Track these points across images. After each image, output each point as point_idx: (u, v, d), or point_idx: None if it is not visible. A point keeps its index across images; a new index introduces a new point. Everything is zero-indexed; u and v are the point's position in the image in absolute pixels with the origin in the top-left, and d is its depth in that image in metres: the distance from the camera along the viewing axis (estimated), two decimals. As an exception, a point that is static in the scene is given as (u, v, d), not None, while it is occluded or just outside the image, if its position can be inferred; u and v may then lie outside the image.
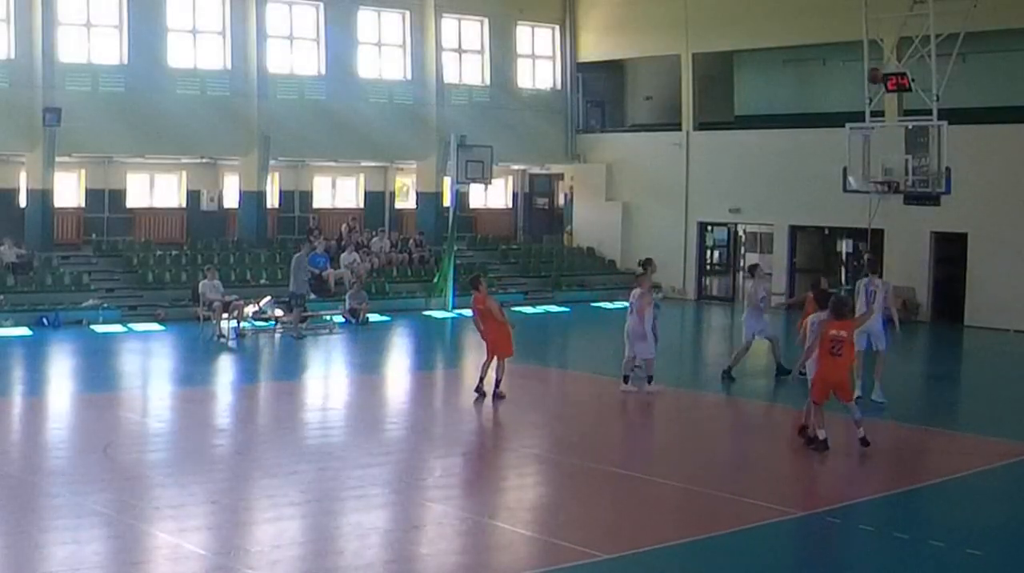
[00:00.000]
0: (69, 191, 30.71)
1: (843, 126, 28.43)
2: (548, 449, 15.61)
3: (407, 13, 34.09)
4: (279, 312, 26.31)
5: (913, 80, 27.02)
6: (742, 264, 34.99)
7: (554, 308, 32.18)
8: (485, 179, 31.69)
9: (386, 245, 33.01)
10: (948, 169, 26.88)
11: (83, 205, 31.03)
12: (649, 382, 18.79)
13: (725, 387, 19.93)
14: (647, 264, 19.82)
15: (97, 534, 11.23)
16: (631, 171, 35.95)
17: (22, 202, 29.51)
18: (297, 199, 34.51)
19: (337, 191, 36.17)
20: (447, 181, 32.76)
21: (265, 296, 26.98)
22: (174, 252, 30.41)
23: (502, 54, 36.20)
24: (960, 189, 27.23)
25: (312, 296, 27.54)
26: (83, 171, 30.98)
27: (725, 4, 33.31)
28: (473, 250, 35.16)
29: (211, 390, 20.20)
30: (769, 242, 33.54)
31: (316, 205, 35.06)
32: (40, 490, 12.75)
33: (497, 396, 18.17)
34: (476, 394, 18.21)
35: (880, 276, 20.18)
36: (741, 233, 35.33)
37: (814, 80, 34.20)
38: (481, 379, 18.35)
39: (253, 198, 31.66)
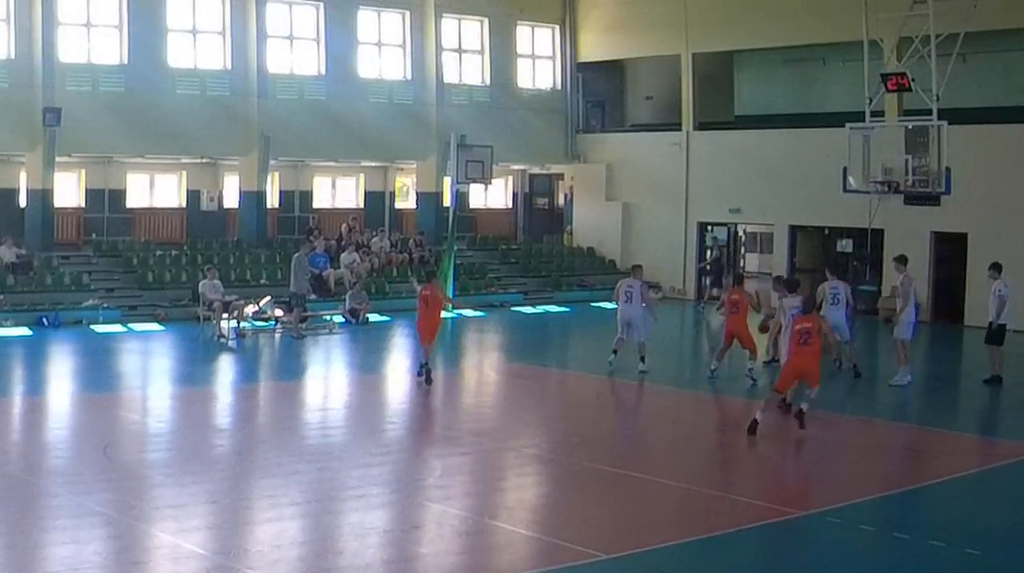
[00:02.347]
0: (69, 191, 30.71)
1: (843, 126, 28.46)
2: (548, 449, 15.61)
3: (407, 13, 34.08)
4: (279, 312, 26.31)
5: (913, 80, 27.04)
6: (742, 264, 35.05)
7: (554, 308, 32.19)
8: (485, 179, 31.70)
9: (386, 245, 33.01)
10: (948, 169, 26.90)
11: (83, 205, 31.02)
12: (643, 361, 20.81)
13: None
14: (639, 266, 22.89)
15: (97, 534, 11.23)
16: (631, 171, 35.95)
17: (22, 202, 29.52)
18: (297, 199, 34.51)
19: (337, 191, 36.17)
20: (447, 181, 32.77)
21: (265, 296, 26.98)
22: (174, 252, 30.41)
23: (502, 54, 36.19)
24: (960, 189, 27.25)
25: (312, 296, 27.55)
26: (83, 171, 30.97)
27: (725, 4, 33.31)
28: (473, 250, 35.17)
29: (211, 390, 20.20)
30: (769, 242, 33.54)
31: (316, 205, 35.07)
32: (40, 490, 12.75)
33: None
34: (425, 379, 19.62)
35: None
36: (741, 233, 35.33)
37: (814, 80, 34.20)
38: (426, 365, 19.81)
39: (253, 198, 31.66)
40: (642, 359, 20.75)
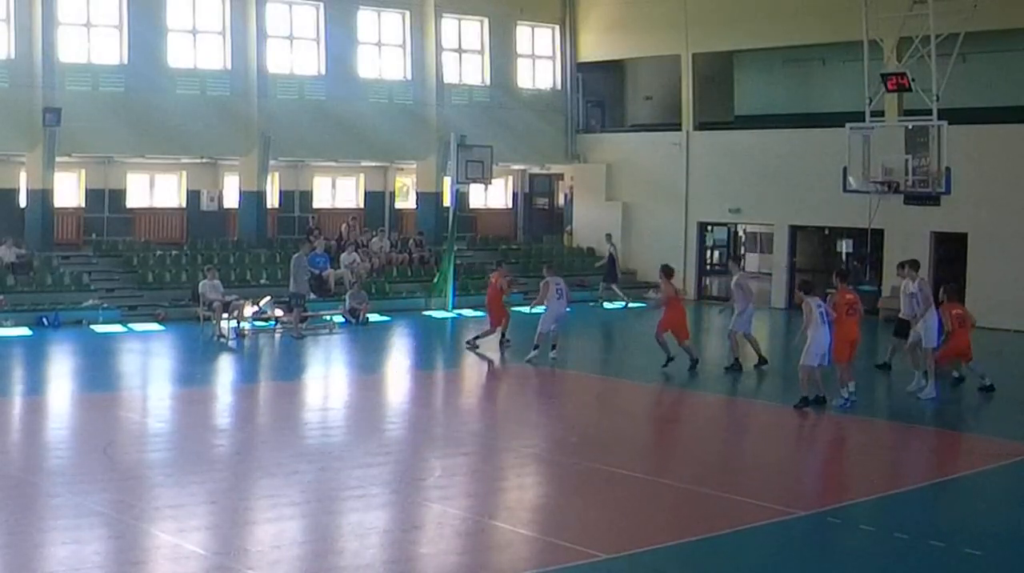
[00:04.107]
0: (69, 191, 30.72)
1: (843, 126, 28.45)
2: (548, 449, 15.61)
3: (407, 13, 34.08)
4: (279, 312, 26.30)
5: (913, 80, 27.03)
6: (742, 264, 35.02)
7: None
8: (485, 179, 31.68)
9: (386, 245, 33.00)
10: (948, 169, 26.89)
11: (83, 205, 31.04)
12: (554, 348, 22.57)
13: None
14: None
15: (97, 534, 11.23)
16: (631, 171, 35.94)
17: (22, 202, 29.52)
18: (297, 199, 34.52)
19: (337, 191, 36.18)
20: (447, 181, 32.76)
21: (265, 296, 26.98)
22: (174, 252, 30.41)
23: (502, 54, 36.18)
24: (960, 189, 27.24)
25: (312, 296, 27.54)
26: (83, 171, 30.98)
27: (725, 4, 33.30)
28: (473, 250, 35.15)
29: (211, 390, 20.20)
30: (769, 242, 33.53)
31: (316, 205, 35.08)
32: (40, 490, 12.75)
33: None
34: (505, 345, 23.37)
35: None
36: (741, 233, 35.31)
37: (814, 80, 34.20)
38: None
39: (253, 198, 31.66)
40: (554, 346, 22.50)
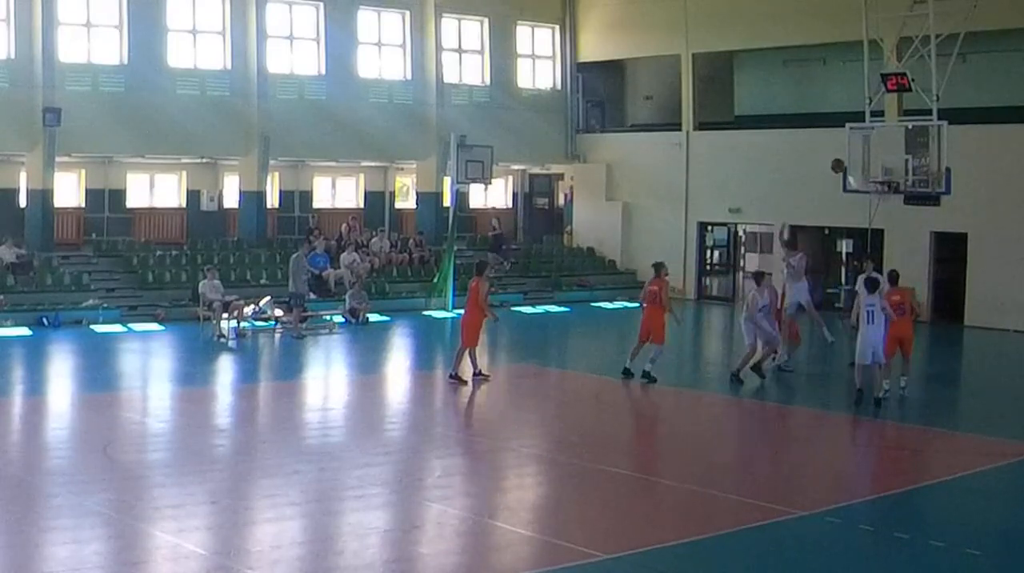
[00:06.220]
0: (69, 191, 30.71)
1: (843, 126, 28.42)
2: (548, 449, 15.61)
3: (407, 13, 34.08)
4: (279, 312, 26.32)
5: (913, 80, 27.02)
6: (742, 264, 35.02)
7: (554, 308, 32.18)
8: (485, 179, 31.68)
9: (386, 245, 33.00)
10: (948, 169, 26.87)
11: (83, 205, 31.03)
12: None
13: (733, 389, 19.87)
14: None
15: (97, 534, 11.23)
16: (631, 171, 35.95)
17: (22, 202, 29.52)
18: (297, 199, 34.51)
19: (337, 191, 36.18)
20: (447, 181, 32.75)
21: (265, 296, 26.99)
22: (174, 252, 30.41)
23: (502, 54, 36.19)
24: (960, 189, 27.22)
25: (312, 296, 27.55)
26: (83, 171, 30.98)
27: (725, 4, 33.31)
28: (473, 250, 35.13)
29: (211, 390, 20.20)
30: (769, 242, 33.51)
31: (316, 205, 35.07)
32: (40, 490, 12.75)
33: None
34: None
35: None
36: (741, 233, 35.32)
37: (814, 80, 34.19)
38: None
39: (253, 198, 31.66)
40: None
